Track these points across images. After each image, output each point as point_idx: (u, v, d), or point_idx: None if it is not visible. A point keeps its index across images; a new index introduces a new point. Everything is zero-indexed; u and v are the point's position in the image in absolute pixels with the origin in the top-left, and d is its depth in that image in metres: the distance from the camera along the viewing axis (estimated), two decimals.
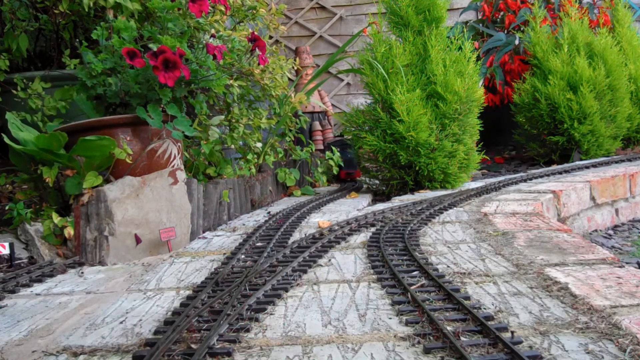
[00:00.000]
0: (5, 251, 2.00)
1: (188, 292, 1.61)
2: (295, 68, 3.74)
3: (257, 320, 1.33)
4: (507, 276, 1.59)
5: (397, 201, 3.20)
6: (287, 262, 1.81)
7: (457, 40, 3.83)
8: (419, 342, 1.15)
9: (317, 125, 5.39)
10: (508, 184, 3.53)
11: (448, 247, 2.00)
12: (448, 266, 1.73)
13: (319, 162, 4.36)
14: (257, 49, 2.78)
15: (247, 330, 1.26)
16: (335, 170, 4.44)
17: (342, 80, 7.13)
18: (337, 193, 3.66)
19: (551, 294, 1.41)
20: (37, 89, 2.46)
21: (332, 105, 6.43)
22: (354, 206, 3.13)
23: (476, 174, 4.40)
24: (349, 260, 1.88)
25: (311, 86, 4.59)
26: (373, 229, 2.33)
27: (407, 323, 1.25)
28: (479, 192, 3.20)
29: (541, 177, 3.86)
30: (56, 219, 2.15)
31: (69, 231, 2.12)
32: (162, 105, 2.21)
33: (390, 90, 3.55)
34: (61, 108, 2.41)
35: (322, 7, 7.25)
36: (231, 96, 3.02)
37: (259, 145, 3.33)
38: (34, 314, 1.51)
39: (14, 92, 2.48)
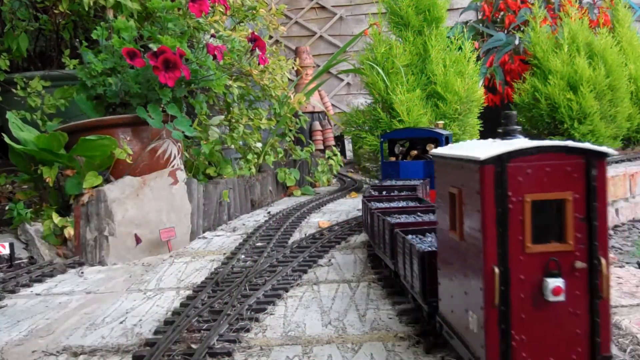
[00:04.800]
0: (5, 251, 2.00)
1: (188, 292, 1.61)
2: (295, 68, 3.73)
3: (257, 320, 1.33)
4: None
5: None
6: (287, 262, 1.81)
7: (457, 40, 3.82)
8: (419, 342, 1.15)
9: (317, 125, 5.39)
10: None
11: None
12: None
13: (319, 162, 4.36)
14: (257, 49, 2.78)
15: (247, 330, 1.26)
16: (335, 170, 4.40)
17: (342, 80, 7.13)
18: (337, 193, 3.66)
19: None
20: (37, 87, 2.46)
21: (332, 105, 6.42)
22: (354, 206, 3.13)
23: None
24: (349, 260, 1.88)
25: (311, 87, 4.59)
26: None
27: (407, 323, 1.25)
28: None
29: None
30: (56, 219, 2.14)
31: (69, 231, 2.12)
32: (162, 105, 2.21)
33: (391, 90, 3.55)
34: (61, 106, 2.40)
35: (322, 7, 7.24)
36: (231, 96, 3.02)
37: (259, 145, 3.33)
38: (34, 314, 1.51)
39: (14, 90, 2.48)
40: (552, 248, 0.80)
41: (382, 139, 2.61)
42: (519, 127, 0.95)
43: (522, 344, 0.79)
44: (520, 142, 0.83)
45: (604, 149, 0.80)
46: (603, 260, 0.79)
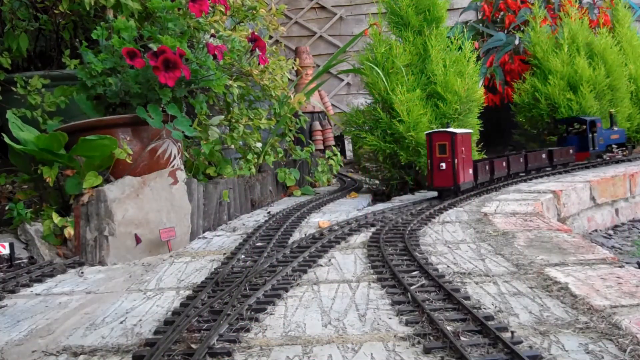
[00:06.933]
0: (5, 251, 2.00)
1: (188, 292, 1.61)
2: (295, 68, 3.73)
3: (257, 320, 1.33)
4: (507, 276, 1.59)
5: (397, 201, 3.20)
6: (287, 262, 1.81)
7: (457, 40, 3.82)
8: (419, 342, 1.15)
9: (317, 125, 5.39)
10: (508, 184, 3.53)
11: (448, 247, 2.00)
12: (448, 266, 1.73)
13: (319, 162, 4.36)
14: (257, 49, 2.78)
15: (247, 330, 1.26)
16: (335, 170, 4.42)
17: (342, 80, 7.13)
18: (337, 193, 3.66)
19: (551, 294, 1.41)
20: (37, 85, 2.46)
21: (332, 105, 6.43)
22: (354, 206, 3.14)
23: None
24: (349, 260, 1.88)
25: (311, 87, 4.59)
26: (373, 229, 2.33)
27: (407, 323, 1.25)
28: (479, 192, 3.20)
29: (541, 177, 3.86)
30: (56, 219, 2.14)
31: (69, 231, 2.12)
32: (162, 105, 2.21)
33: (391, 90, 3.55)
34: (61, 103, 2.40)
35: (322, 7, 7.24)
36: (231, 96, 3.02)
37: (259, 145, 3.33)
38: (34, 314, 1.51)
39: (14, 89, 2.48)
40: (443, 156, 2.93)
41: (559, 124, 4.66)
42: (450, 125, 3.36)
43: (436, 178, 2.96)
44: (442, 129, 3.01)
45: (458, 130, 2.96)
46: (456, 159, 2.90)
